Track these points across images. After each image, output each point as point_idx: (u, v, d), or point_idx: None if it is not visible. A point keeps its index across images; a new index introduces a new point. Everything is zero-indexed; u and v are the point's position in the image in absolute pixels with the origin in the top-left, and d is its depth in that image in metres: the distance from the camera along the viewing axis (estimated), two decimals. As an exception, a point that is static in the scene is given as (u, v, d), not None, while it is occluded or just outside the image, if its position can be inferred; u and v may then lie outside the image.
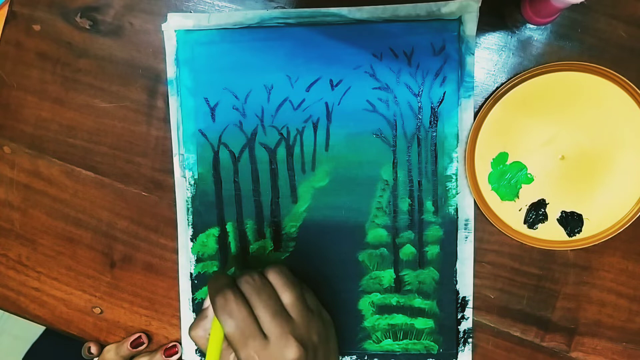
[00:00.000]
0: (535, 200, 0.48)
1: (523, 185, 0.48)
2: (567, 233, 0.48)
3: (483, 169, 0.48)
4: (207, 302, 0.44)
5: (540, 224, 0.48)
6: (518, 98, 0.47)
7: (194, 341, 0.44)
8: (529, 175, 0.48)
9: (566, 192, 0.48)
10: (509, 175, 0.48)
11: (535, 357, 0.51)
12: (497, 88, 0.48)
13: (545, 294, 0.50)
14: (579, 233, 0.48)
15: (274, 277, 0.42)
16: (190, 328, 0.44)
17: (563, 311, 0.50)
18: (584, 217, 0.48)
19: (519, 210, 0.48)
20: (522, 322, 0.51)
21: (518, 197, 0.48)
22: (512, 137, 0.48)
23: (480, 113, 0.47)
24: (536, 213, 0.48)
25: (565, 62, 0.47)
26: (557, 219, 0.48)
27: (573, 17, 0.47)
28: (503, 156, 0.48)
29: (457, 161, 0.49)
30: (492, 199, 0.48)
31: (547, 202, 0.48)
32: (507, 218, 0.48)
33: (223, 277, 0.42)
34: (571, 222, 0.48)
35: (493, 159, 0.48)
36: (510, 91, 0.47)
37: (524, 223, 0.48)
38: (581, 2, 0.37)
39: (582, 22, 0.47)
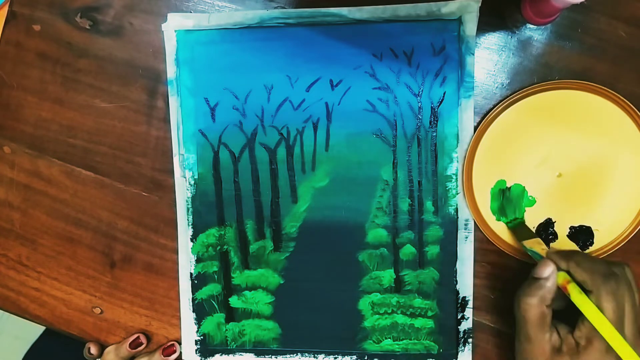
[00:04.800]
0: (542, 220, 0.48)
1: (527, 209, 0.48)
2: (580, 247, 0.48)
3: (484, 200, 0.48)
4: (548, 272, 0.42)
5: (551, 243, 0.48)
6: (506, 124, 0.47)
7: (522, 307, 0.42)
8: (530, 198, 0.48)
9: (570, 207, 0.48)
10: (511, 202, 0.48)
11: (535, 357, 0.51)
12: (484, 117, 0.48)
13: (545, 294, 0.50)
14: (591, 245, 0.48)
15: (633, 276, 0.42)
16: (525, 294, 0.42)
17: (563, 311, 0.50)
18: (593, 228, 0.48)
19: None
20: (522, 322, 0.50)
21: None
22: (506, 163, 0.48)
23: (471, 146, 0.48)
24: (545, 233, 0.48)
25: (553, 81, 0.47)
26: (568, 235, 0.48)
27: (573, 17, 0.47)
28: (501, 183, 0.48)
29: (457, 161, 0.49)
30: (500, 228, 0.48)
31: (554, 221, 0.48)
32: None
33: (601, 261, 0.42)
34: (582, 236, 0.48)
35: (491, 188, 0.48)
36: (498, 118, 0.47)
37: None
38: (581, 2, 0.37)
39: (582, 22, 0.47)
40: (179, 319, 0.53)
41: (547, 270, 0.42)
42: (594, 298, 0.40)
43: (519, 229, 0.48)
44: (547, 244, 0.48)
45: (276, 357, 0.52)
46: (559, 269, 0.42)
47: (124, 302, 0.54)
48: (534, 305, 0.41)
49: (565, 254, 0.43)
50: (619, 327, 0.39)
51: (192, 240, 0.52)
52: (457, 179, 0.49)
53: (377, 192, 0.50)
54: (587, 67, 0.47)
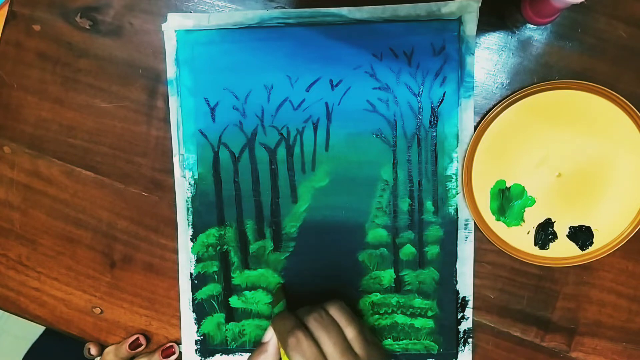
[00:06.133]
0: (542, 220, 0.48)
1: (526, 209, 0.48)
2: (579, 247, 0.48)
3: (483, 200, 0.48)
4: (267, 337, 0.45)
5: (551, 243, 0.48)
6: (506, 123, 0.47)
7: None
8: (530, 198, 0.48)
9: (570, 207, 0.48)
10: (511, 202, 0.48)
11: (535, 357, 0.51)
12: (484, 117, 0.48)
13: (545, 294, 0.50)
14: (591, 245, 0.48)
15: (336, 313, 0.43)
16: (250, 358, 0.45)
17: (563, 311, 0.50)
18: (592, 228, 0.48)
19: (527, 233, 0.48)
20: (522, 322, 0.51)
21: (524, 221, 0.48)
22: (506, 163, 0.48)
23: (471, 146, 0.48)
24: (545, 233, 0.48)
25: (553, 81, 0.47)
26: (567, 235, 0.48)
27: (573, 17, 0.47)
28: (501, 183, 0.48)
29: (457, 161, 0.49)
30: (499, 228, 0.48)
31: (553, 221, 0.48)
32: (518, 243, 0.48)
33: (290, 316, 0.43)
34: (581, 236, 0.48)
35: (491, 188, 0.48)
36: (497, 118, 0.47)
37: (535, 245, 0.48)
38: (581, 2, 0.37)
39: (582, 22, 0.47)
40: (179, 319, 0.53)
41: (267, 336, 0.45)
42: (288, 357, 0.41)
43: (277, 293, 0.50)
44: (547, 244, 0.48)
45: (276, 357, 0.52)
46: None
47: (124, 302, 0.54)
48: None
49: (273, 318, 0.45)
50: None
51: (192, 240, 0.52)
52: (457, 179, 0.49)
53: (377, 192, 0.50)
54: (587, 67, 0.47)
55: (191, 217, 0.51)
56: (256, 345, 0.52)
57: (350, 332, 0.42)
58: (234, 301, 0.52)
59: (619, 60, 0.47)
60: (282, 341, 0.42)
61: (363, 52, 0.48)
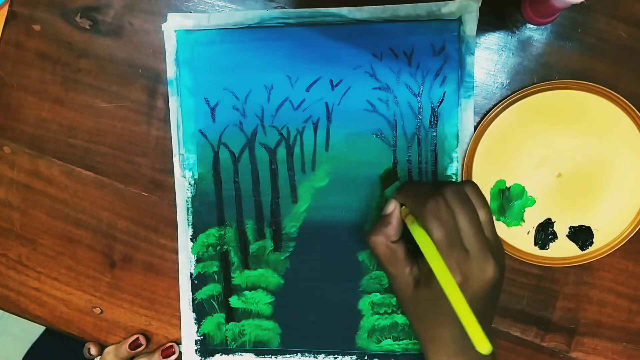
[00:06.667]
0: (542, 220, 0.48)
1: (526, 209, 0.48)
2: (579, 247, 0.48)
3: None
4: (390, 209, 0.43)
5: (551, 243, 0.48)
6: (506, 124, 0.47)
7: (371, 246, 0.43)
8: (530, 198, 0.48)
9: (570, 207, 0.48)
10: (511, 202, 0.48)
11: (535, 357, 0.51)
12: (484, 117, 0.48)
13: (545, 294, 0.50)
14: (591, 245, 0.48)
15: (471, 192, 0.41)
16: (372, 232, 0.43)
17: (563, 311, 0.50)
18: (592, 228, 0.48)
19: (527, 233, 0.48)
20: (522, 322, 0.51)
21: (524, 221, 0.48)
22: (506, 163, 0.48)
23: (471, 146, 0.48)
24: (545, 233, 0.48)
25: (553, 81, 0.47)
26: (567, 235, 0.48)
27: (573, 17, 0.47)
28: (500, 183, 0.48)
29: (457, 161, 0.49)
30: (499, 228, 0.48)
31: (553, 221, 0.48)
32: (518, 243, 0.48)
33: (427, 185, 0.41)
34: (581, 236, 0.48)
35: (491, 188, 0.48)
36: (498, 118, 0.47)
37: (535, 245, 0.48)
38: (581, 2, 0.37)
39: (582, 22, 0.47)
40: (179, 319, 0.53)
41: (390, 207, 0.43)
42: (421, 223, 0.39)
43: (387, 177, 0.49)
44: (547, 244, 0.48)
45: (276, 357, 0.52)
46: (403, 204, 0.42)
47: (124, 302, 0.54)
48: (380, 243, 0.42)
49: (399, 187, 0.43)
50: (453, 244, 0.38)
51: (192, 240, 0.52)
52: (457, 179, 0.49)
53: (377, 192, 0.50)
54: (587, 67, 0.47)
55: (191, 217, 0.51)
56: (256, 345, 0.52)
57: (483, 215, 0.40)
58: (234, 301, 0.52)
59: (619, 60, 0.47)
60: (418, 205, 0.39)
61: (363, 52, 0.48)
